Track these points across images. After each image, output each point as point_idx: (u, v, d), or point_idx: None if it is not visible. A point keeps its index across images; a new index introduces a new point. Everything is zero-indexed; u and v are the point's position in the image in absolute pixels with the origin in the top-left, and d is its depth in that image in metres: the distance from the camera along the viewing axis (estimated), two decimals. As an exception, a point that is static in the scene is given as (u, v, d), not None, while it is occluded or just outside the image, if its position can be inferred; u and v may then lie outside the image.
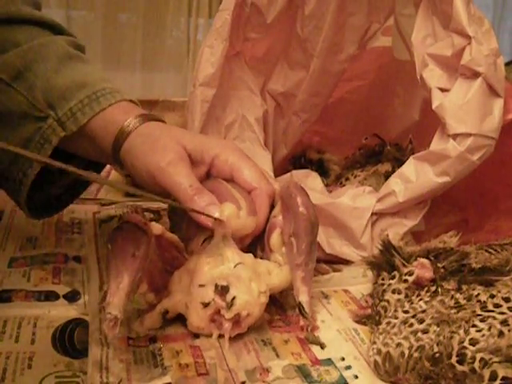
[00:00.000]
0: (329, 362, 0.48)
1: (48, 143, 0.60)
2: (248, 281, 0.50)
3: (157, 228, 0.51)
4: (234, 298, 0.49)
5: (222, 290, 0.49)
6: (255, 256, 0.54)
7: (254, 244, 0.57)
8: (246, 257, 0.51)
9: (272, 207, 0.57)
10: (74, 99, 0.59)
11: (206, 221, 0.51)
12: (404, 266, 0.54)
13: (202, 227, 0.52)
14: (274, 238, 0.55)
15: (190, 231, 0.55)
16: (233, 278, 0.49)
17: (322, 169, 0.86)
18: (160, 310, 0.51)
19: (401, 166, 0.67)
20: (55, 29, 0.66)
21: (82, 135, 0.60)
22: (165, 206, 0.77)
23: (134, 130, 0.57)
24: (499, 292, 0.48)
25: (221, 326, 0.50)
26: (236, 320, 0.49)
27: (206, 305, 0.49)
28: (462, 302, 0.48)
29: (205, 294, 0.49)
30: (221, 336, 0.50)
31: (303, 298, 0.52)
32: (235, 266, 0.50)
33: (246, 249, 0.54)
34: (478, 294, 0.49)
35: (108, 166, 0.78)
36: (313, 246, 0.53)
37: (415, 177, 0.64)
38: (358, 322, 0.54)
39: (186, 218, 0.55)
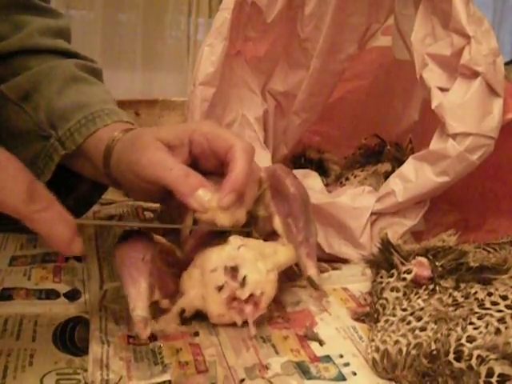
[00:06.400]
0: (327, 358, 0.48)
1: (51, 161, 0.63)
2: (254, 260, 0.51)
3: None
4: (245, 277, 0.50)
5: (233, 271, 0.50)
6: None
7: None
8: (248, 240, 0.53)
9: (259, 186, 0.57)
10: (73, 119, 0.62)
11: (193, 204, 0.51)
12: (402, 264, 0.54)
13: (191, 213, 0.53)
14: (277, 224, 0.57)
15: (180, 219, 0.56)
16: (239, 259, 0.51)
17: (321, 168, 0.86)
18: (177, 311, 0.52)
19: (401, 165, 0.68)
20: (70, 55, 0.69)
21: (81, 154, 0.62)
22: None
23: (117, 142, 0.58)
24: (497, 290, 0.49)
25: (242, 312, 0.51)
26: (254, 302, 0.50)
27: (220, 288, 0.50)
28: (460, 299, 0.49)
29: (217, 277, 0.50)
30: (245, 323, 0.51)
31: (311, 271, 0.55)
32: (238, 248, 0.51)
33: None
34: (476, 292, 0.49)
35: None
36: (309, 221, 0.56)
37: (415, 176, 0.64)
38: (356, 319, 0.54)
39: (177, 205, 0.55)
